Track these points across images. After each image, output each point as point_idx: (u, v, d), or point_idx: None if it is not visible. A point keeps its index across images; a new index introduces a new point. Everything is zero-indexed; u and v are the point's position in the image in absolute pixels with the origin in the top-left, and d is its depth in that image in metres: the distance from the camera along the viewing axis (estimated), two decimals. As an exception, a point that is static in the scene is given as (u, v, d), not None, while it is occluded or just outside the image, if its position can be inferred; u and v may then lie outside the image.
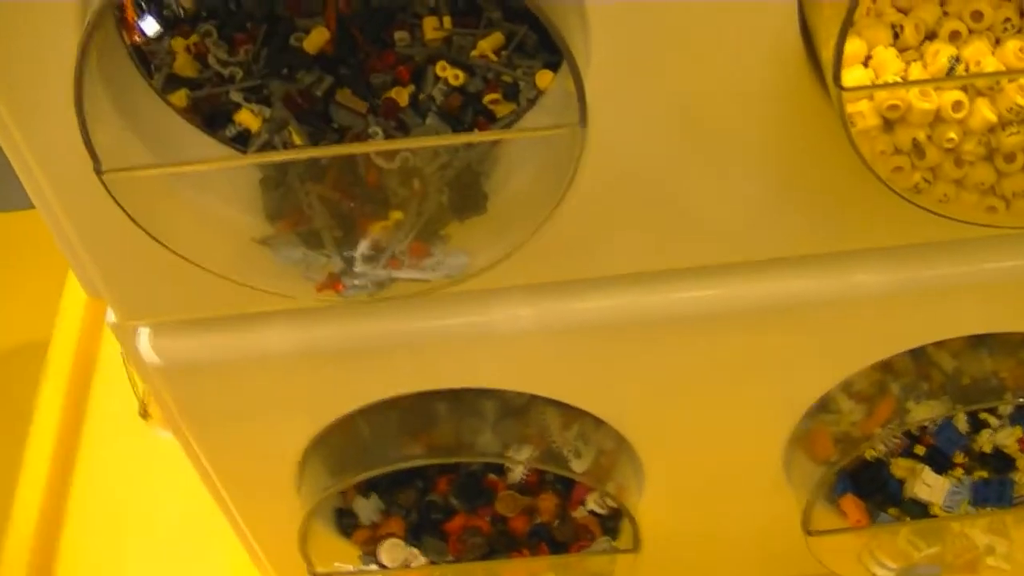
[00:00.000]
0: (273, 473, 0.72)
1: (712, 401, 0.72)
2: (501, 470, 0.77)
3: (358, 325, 0.65)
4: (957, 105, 0.53)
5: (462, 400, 0.72)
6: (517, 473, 0.76)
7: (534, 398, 0.73)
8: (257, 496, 0.74)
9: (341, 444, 0.72)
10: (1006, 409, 0.79)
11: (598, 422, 0.73)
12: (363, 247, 0.56)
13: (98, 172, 0.49)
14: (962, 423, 0.79)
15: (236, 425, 0.69)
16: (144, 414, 0.79)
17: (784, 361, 0.70)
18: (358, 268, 0.56)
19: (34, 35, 0.51)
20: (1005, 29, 0.53)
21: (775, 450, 0.75)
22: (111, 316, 0.64)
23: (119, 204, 0.50)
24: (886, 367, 0.74)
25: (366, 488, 0.76)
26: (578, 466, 0.73)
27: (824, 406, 0.76)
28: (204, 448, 0.70)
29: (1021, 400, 0.72)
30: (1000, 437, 0.78)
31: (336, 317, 0.65)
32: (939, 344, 0.74)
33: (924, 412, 0.77)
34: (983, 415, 0.79)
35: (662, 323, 0.67)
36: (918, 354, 0.74)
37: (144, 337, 0.65)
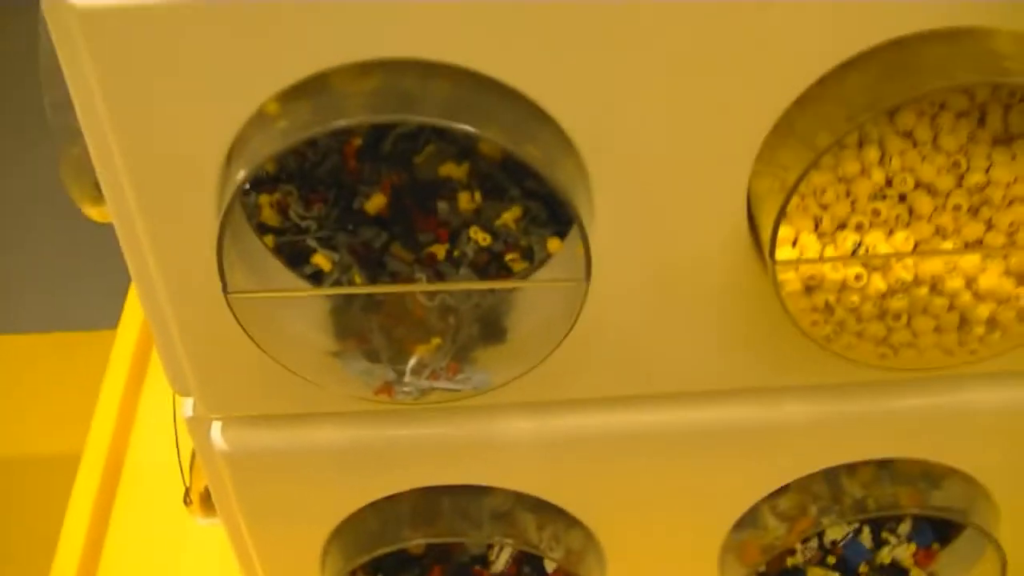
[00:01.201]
0: (305, 553, 0.86)
1: (665, 507, 0.86)
2: (486, 563, 0.92)
3: (392, 429, 0.80)
4: (858, 277, 0.68)
5: (459, 501, 0.87)
6: (500, 564, 0.91)
7: (517, 504, 0.87)
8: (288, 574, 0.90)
9: (358, 530, 0.86)
10: (904, 528, 0.93)
11: (568, 525, 0.88)
12: (411, 363, 0.72)
13: (225, 293, 0.65)
14: (867, 540, 0.92)
15: (281, 509, 0.84)
16: (187, 501, 0.94)
17: (722, 476, 0.84)
18: (407, 379, 0.72)
19: (177, 186, 0.67)
20: (896, 224, 0.68)
21: (712, 553, 0.89)
22: (188, 411, 0.80)
23: (236, 318, 0.67)
24: (807, 492, 0.88)
25: (373, 570, 0.91)
26: (550, 559, 0.88)
27: (754, 522, 0.89)
28: (250, 528, 0.85)
29: (917, 511, 0.88)
30: (898, 552, 0.92)
31: (374, 421, 0.79)
32: (851, 475, 0.87)
33: (836, 531, 0.92)
34: (885, 534, 0.92)
35: (628, 440, 0.82)
36: (833, 483, 0.87)
37: (216, 429, 0.80)
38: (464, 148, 0.74)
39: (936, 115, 0.69)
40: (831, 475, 0.88)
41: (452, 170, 0.73)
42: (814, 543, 0.94)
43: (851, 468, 0.88)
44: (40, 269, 1.95)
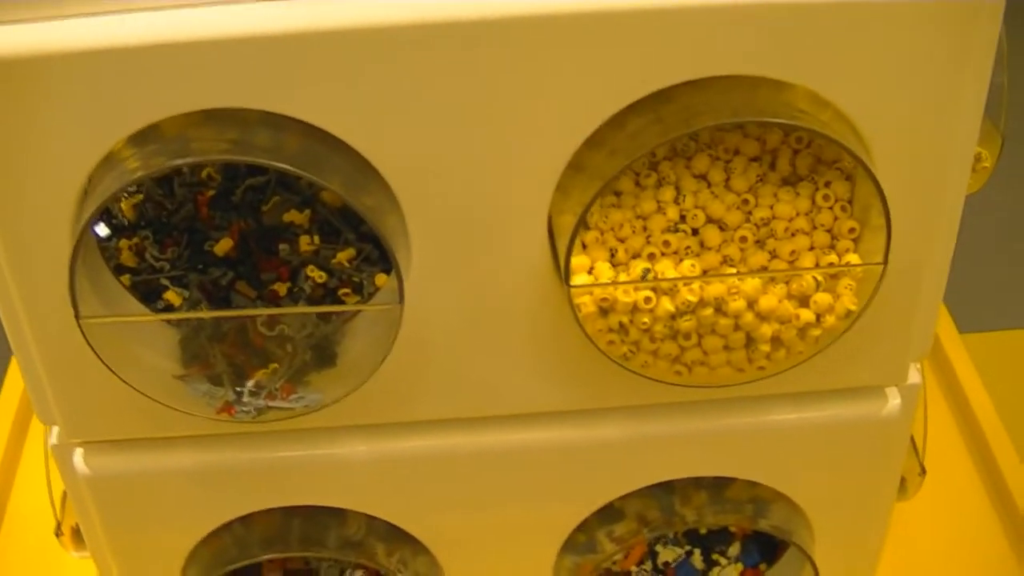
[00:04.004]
0: (166, 572, 0.96)
1: (496, 527, 0.95)
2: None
3: (241, 452, 0.89)
4: (648, 300, 0.77)
5: (312, 528, 0.95)
6: (353, 588, 1.01)
7: (368, 534, 0.96)
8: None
9: (213, 552, 0.95)
10: (733, 551, 1.03)
11: (416, 551, 0.97)
12: (249, 385, 0.81)
13: (78, 319, 0.75)
14: (698, 561, 1.02)
15: (141, 532, 0.93)
16: (59, 533, 1.02)
17: (547, 496, 0.94)
18: (245, 399, 0.81)
19: (36, 224, 0.76)
20: (686, 253, 0.78)
21: (547, 568, 0.99)
22: (54, 439, 0.89)
23: (89, 343, 0.76)
24: (640, 518, 0.96)
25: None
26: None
27: (591, 547, 0.97)
28: (114, 553, 0.94)
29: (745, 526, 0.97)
30: (727, 572, 1.02)
31: (225, 443, 0.89)
32: (684, 501, 0.96)
33: (669, 554, 1.02)
34: (715, 555, 1.02)
35: (457, 461, 0.91)
36: (666, 508, 0.96)
37: (79, 455, 0.89)
38: (307, 197, 0.83)
39: (730, 160, 0.80)
40: (664, 502, 0.97)
41: (295, 217, 0.83)
42: (648, 565, 1.03)
43: (684, 495, 0.97)
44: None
